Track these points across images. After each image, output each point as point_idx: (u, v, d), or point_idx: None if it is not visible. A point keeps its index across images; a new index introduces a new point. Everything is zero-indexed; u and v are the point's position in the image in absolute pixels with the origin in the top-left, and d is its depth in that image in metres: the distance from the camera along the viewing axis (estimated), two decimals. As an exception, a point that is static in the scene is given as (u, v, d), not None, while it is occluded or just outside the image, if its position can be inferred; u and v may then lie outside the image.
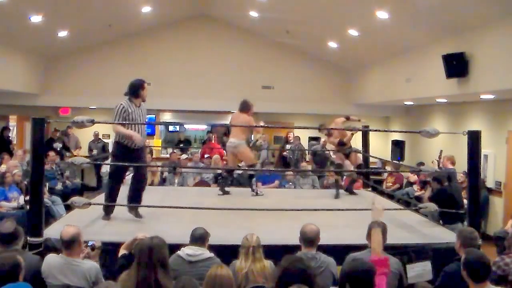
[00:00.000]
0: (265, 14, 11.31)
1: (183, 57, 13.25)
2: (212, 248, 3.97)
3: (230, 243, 4.29)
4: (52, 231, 4.74)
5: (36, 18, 9.08)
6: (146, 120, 6.14)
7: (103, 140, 13.49)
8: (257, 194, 7.50)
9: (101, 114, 13.36)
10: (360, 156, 8.00)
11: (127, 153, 5.39)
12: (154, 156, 12.55)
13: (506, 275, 4.08)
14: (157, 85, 11.61)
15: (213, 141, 13.01)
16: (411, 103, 11.79)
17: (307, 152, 12.88)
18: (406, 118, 13.74)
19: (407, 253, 4.64)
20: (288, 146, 12.34)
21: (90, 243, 4.02)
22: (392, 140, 13.74)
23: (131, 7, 11.03)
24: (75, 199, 5.17)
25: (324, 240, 4.02)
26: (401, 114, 13.81)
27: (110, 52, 13.09)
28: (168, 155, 12.87)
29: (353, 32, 10.07)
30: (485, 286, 3.17)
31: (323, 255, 3.90)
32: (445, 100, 10.25)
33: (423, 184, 9.58)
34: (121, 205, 5.60)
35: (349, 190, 7.89)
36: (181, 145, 14.34)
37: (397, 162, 12.40)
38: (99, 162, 10.15)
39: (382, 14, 8.28)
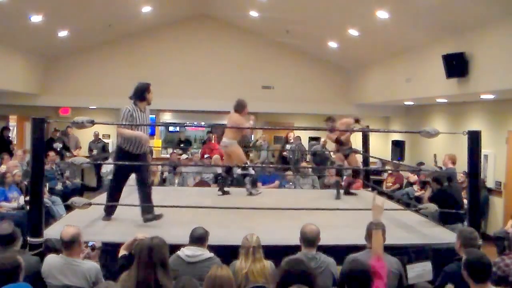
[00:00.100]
0: (265, 14, 11.31)
1: (183, 57, 13.24)
2: (212, 248, 3.97)
3: (230, 243, 4.29)
4: (52, 232, 4.73)
5: (36, 18, 9.09)
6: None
7: (103, 140, 13.51)
8: (251, 194, 7.47)
9: (101, 114, 13.39)
10: (359, 158, 7.94)
11: (129, 159, 5.38)
12: (154, 156, 12.56)
13: (506, 276, 4.07)
14: (157, 85, 11.39)
15: (213, 141, 13.01)
16: (411, 103, 11.79)
17: (307, 152, 12.88)
18: (406, 118, 13.73)
19: (407, 253, 4.63)
20: (288, 146, 12.33)
21: (90, 243, 4.03)
22: (392, 140, 13.74)
23: (131, 7, 11.03)
24: (75, 199, 5.16)
25: (324, 240, 4.01)
26: (401, 114, 13.80)
27: (110, 52, 13.10)
28: (168, 155, 12.88)
29: (353, 32, 10.07)
30: (486, 287, 3.17)
31: (323, 255, 3.89)
32: (445, 100, 10.25)
33: (423, 184, 9.57)
34: (121, 205, 5.60)
35: (347, 191, 7.87)
36: (181, 145, 14.33)
37: (397, 162, 12.40)
38: (99, 162, 10.15)
39: (382, 14, 8.28)
